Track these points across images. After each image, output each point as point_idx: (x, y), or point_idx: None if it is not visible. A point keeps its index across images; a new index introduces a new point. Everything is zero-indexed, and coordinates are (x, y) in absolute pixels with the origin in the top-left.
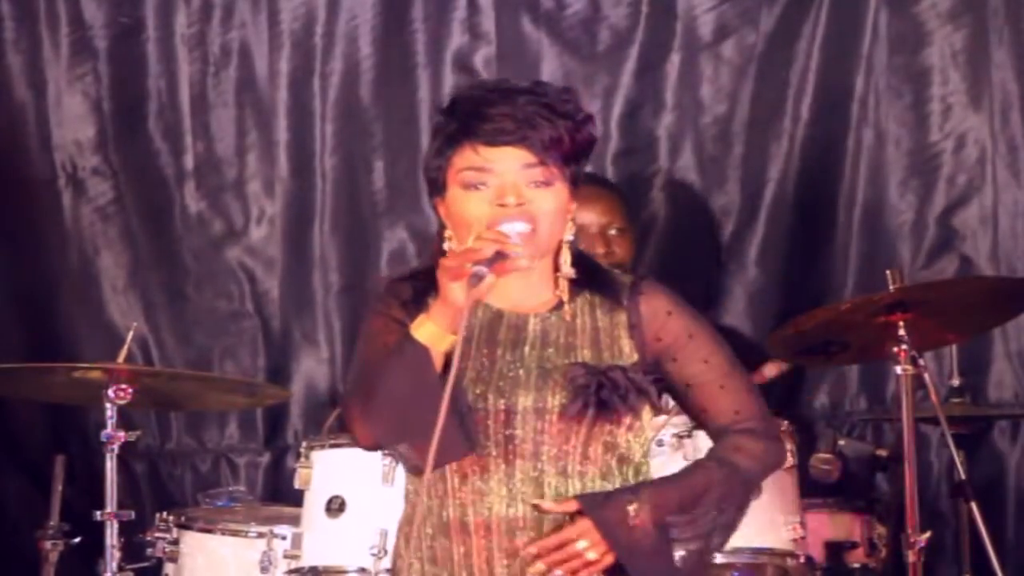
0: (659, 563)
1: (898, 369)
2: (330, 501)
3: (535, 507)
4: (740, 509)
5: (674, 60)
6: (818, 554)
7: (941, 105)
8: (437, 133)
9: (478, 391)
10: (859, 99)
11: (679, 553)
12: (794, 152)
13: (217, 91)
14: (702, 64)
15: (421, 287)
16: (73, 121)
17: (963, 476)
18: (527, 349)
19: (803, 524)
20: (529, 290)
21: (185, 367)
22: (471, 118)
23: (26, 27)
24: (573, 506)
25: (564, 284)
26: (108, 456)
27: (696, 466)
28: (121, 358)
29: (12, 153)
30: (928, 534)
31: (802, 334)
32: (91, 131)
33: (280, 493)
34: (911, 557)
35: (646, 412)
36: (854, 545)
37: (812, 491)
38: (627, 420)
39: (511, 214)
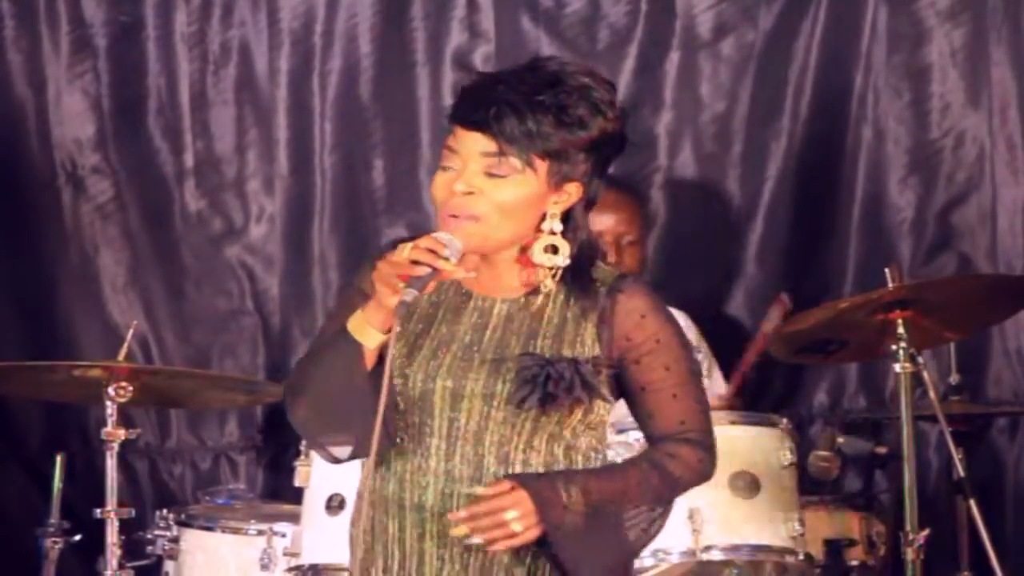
0: (587, 546)
1: (897, 367)
2: (330, 499)
3: (472, 496)
4: (665, 513)
5: (673, 58)
6: (817, 551)
7: (940, 103)
8: None
9: (428, 369)
10: (858, 97)
11: (603, 544)
12: (793, 150)
13: (217, 89)
14: (701, 62)
15: None
16: (73, 119)
17: (962, 474)
18: (488, 334)
19: (802, 521)
20: (495, 275)
21: (185, 365)
22: (460, 99)
23: (26, 25)
24: (506, 486)
25: (543, 272)
26: (108, 454)
27: (629, 463)
28: (121, 356)
29: (11, 152)
30: (927, 532)
31: (801, 332)
32: (91, 129)
33: (280, 491)
34: (910, 555)
35: (599, 405)
36: (853, 543)
37: (811, 489)
38: (577, 413)
39: (455, 203)
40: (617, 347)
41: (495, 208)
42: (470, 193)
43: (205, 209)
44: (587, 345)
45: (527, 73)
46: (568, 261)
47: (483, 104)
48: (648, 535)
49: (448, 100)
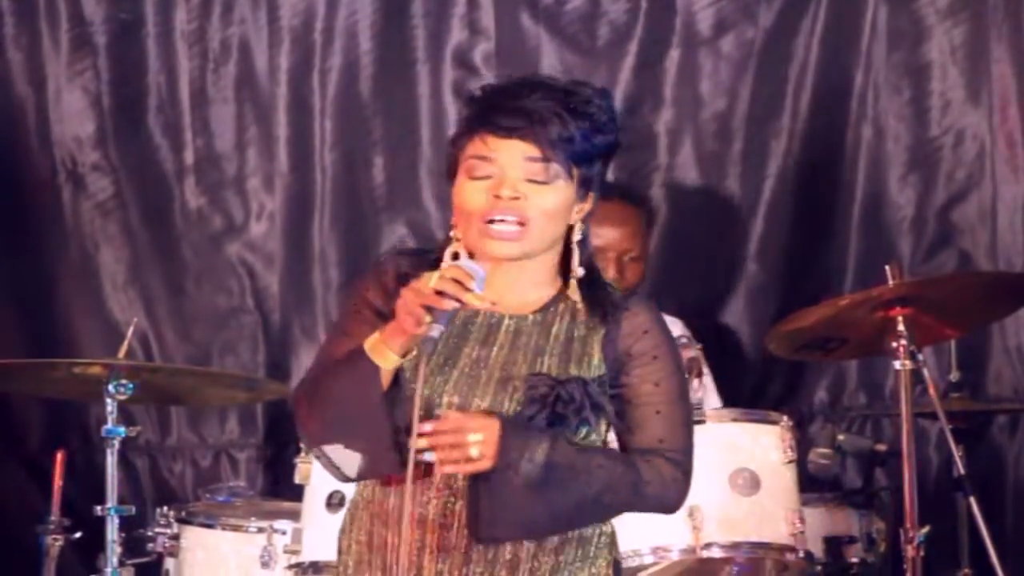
0: (522, 497)
1: (897, 364)
2: (330, 496)
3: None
4: (616, 506)
5: (673, 56)
6: (817, 549)
7: (940, 100)
8: (460, 120)
9: (434, 384)
10: (858, 95)
11: (538, 502)
12: (793, 148)
13: (217, 87)
14: (701, 60)
15: (407, 264)
16: (73, 117)
17: (962, 471)
18: (495, 350)
19: (802, 519)
20: (512, 289)
21: (185, 362)
22: (487, 107)
23: (26, 23)
24: (482, 415)
25: (574, 284)
26: (108, 451)
27: (604, 450)
28: (121, 354)
29: (12, 149)
30: (927, 529)
31: (801, 329)
32: (91, 127)
33: (280, 488)
34: (910, 552)
35: (603, 426)
36: (853, 540)
37: (811, 486)
38: (581, 433)
39: (503, 207)
40: (619, 362)
41: (541, 213)
42: (516, 198)
43: (205, 206)
44: (593, 364)
45: (540, 83)
46: (583, 272)
47: (520, 111)
48: (578, 517)
49: (448, 97)
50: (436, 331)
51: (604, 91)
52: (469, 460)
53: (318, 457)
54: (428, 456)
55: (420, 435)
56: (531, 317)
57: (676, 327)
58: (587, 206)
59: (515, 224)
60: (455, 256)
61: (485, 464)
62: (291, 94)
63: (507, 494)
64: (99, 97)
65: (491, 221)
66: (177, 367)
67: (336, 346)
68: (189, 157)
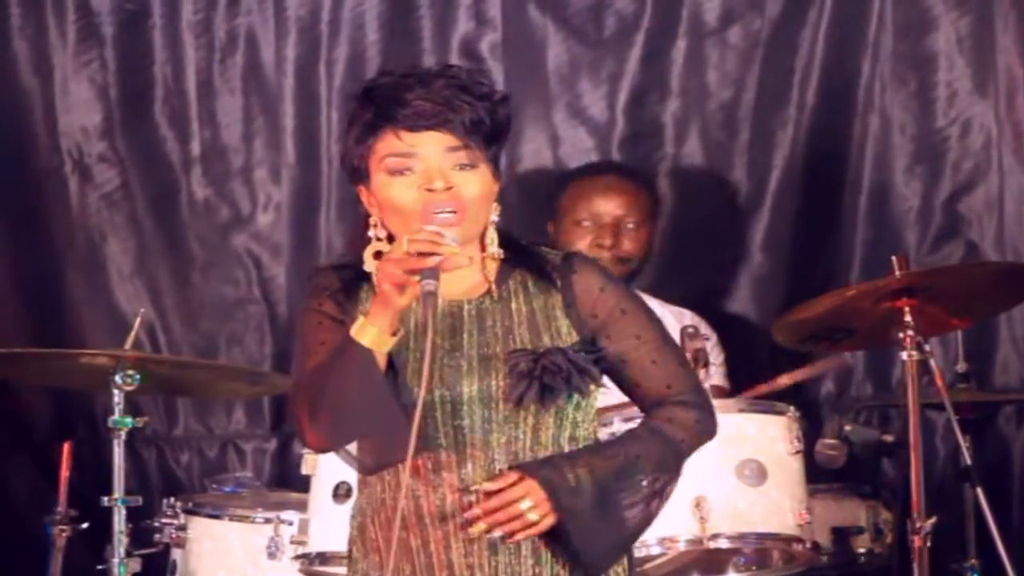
0: (599, 526)
1: (904, 355)
2: (337, 487)
3: (482, 493)
4: (672, 479)
5: (680, 46)
6: (824, 539)
7: (947, 91)
8: (354, 121)
9: (419, 382)
10: (865, 85)
11: (615, 521)
12: (800, 138)
13: (223, 78)
14: (708, 50)
15: (348, 276)
16: (79, 107)
17: (969, 461)
18: (465, 337)
19: (809, 510)
20: (458, 276)
21: (192, 353)
22: (389, 104)
23: (32, 13)
24: (513, 477)
25: (492, 265)
26: (115, 442)
27: (630, 435)
28: (128, 344)
29: (18, 140)
30: (934, 519)
31: (808, 320)
32: (97, 117)
33: (287, 479)
34: (917, 542)
35: (593, 390)
36: (860, 530)
37: (818, 477)
38: (574, 401)
39: (440, 199)
40: (588, 328)
41: (472, 199)
42: (450, 188)
43: (212, 197)
44: (563, 332)
45: (429, 73)
46: (501, 252)
47: (429, 102)
48: (650, 510)
49: None
50: (431, 286)
51: (483, 69)
52: (532, 525)
53: (337, 452)
54: (496, 533)
55: (472, 519)
56: (487, 299)
57: (684, 317)
58: (497, 185)
59: (451, 213)
60: (377, 255)
61: (549, 522)
62: (298, 85)
63: (584, 531)
64: (106, 88)
65: (432, 214)
66: (184, 359)
67: (315, 357)
68: (196, 148)
